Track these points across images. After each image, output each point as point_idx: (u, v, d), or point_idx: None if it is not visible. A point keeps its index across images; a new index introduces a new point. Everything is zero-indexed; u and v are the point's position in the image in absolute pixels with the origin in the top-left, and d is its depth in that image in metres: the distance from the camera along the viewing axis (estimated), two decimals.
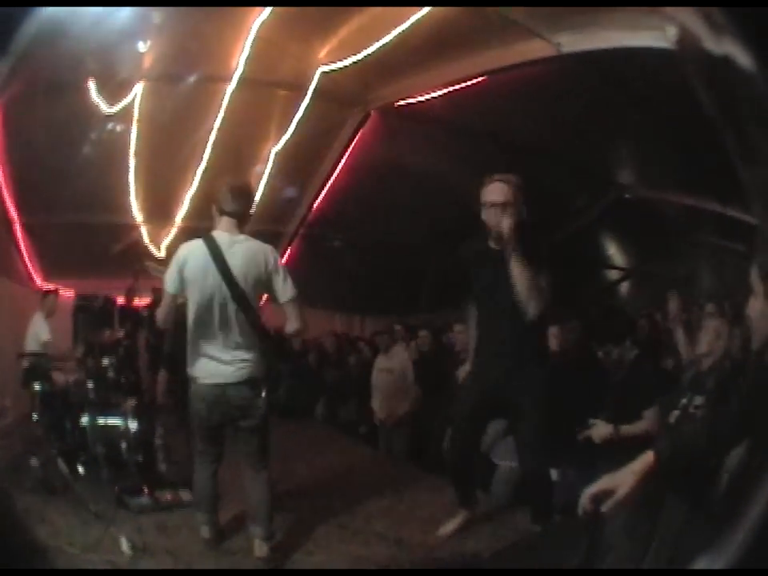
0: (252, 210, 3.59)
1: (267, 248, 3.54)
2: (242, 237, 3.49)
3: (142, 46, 4.65)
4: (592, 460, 3.57)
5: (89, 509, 3.78)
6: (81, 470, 4.24)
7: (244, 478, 3.57)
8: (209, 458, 3.59)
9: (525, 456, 3.81)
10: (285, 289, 3.47)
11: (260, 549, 3.48)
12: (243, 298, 3.41)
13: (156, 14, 4.44)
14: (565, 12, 4.24)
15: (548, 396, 3.57)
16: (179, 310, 3.56)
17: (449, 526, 3.80)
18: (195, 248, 3.45)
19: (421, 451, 4.80)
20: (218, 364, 3.44)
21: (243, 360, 3.45)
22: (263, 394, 3.50)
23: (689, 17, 1.99)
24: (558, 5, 4.07)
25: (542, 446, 3.64)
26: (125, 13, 4.23)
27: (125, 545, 3.42)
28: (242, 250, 3.44)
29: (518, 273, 3.48)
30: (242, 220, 3.49)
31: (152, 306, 4.81)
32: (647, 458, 2.05)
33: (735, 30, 1.45)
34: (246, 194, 3.61)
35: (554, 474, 3.92)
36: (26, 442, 4.49)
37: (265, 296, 3.57)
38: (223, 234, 3.47)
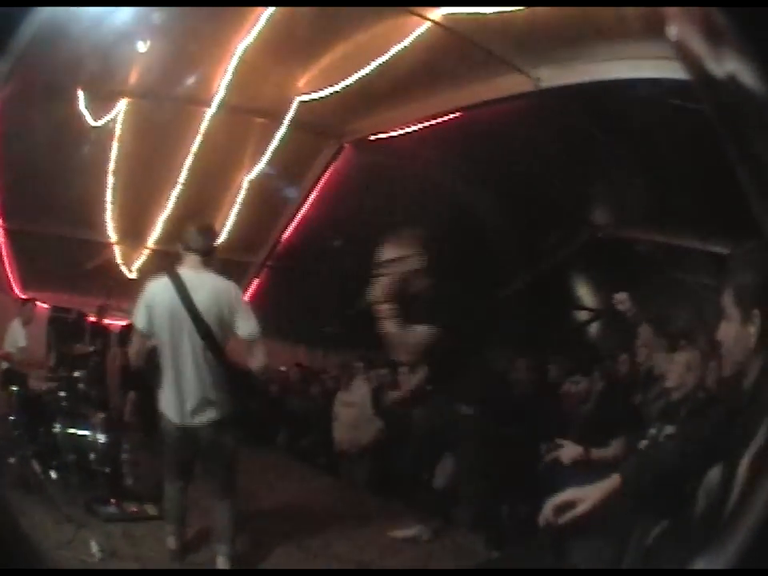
0: (215, 249, 3.71)
1: (231, 285, 3.64)
2: (206, 274, 3.56)
3: (130, 59, 4.68)
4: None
5: (60, 511, 3.89)
6: (53, 474, 4.30)
7: (210, 502, 3.71)
8: (178, 477, 3.73)
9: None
10: (248, 324, 3.56)
11: (223, 566, 3.60)
12: (209, 335, 3.49)
13: (147, 28, 4.46)
14: (546, 45, 4.27)
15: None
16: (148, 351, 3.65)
17: (401, 532, 4.06)
18: (161, 286, 3.54)
19: (381, 481, 4.84)
20: (186, 406, 3.53)
21: (211, 402, 3.55)
22: (230, 434, 3.64)
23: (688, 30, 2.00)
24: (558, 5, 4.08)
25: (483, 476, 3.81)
26: (119, 20, 4.27)
27: (94, 548, 3.57)
28: (206, 287, 3.52)
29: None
30: (206, 257, 3.58)
31: (129, 328, 4.87)
32: (613, 479, 2.08)
33: (736, 35, 1.45)
34: (211, 232, 3.78)
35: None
36: (5, 440, 4.54)
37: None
38: (189, 271, 3.55)
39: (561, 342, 4.93)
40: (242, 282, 4.65)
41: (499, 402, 4.13)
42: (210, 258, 3.61)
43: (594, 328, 5.52)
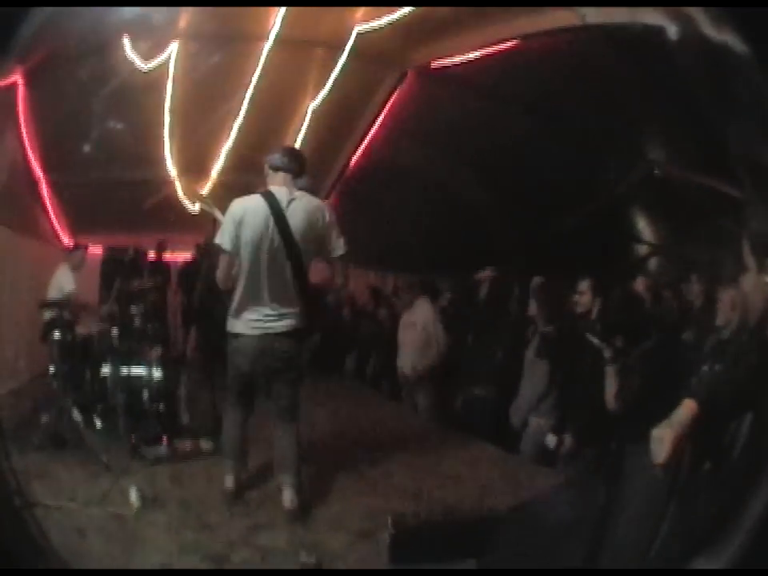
0: (305, 166, 3.68)
1: (323, 205, 3.67)
2: (298, 193, 3.56)
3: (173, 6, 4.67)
4: None
5: (100, 460, 3.85)
6: (97, 421, 4.30)
7: (274, 429, 3.69)
8: (241, 409, 3.73)
9: None
10: (338, 245, 3.59)
11: (289, 498, 3.55)
12: (298, 256, 3.49)
13: None
14: None
15: None
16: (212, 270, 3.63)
17: None
18: (254, 205, 3.52)
19: (444, 407, 4.84)
20: (265, 317, 3.54)
21: (289, 313, 3.55)
22: (304, 347, 3.66)
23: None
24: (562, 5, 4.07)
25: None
26: None
27: (134, 495, 3.49)
28: (300, 207, 3.52)
29: None
30: (297, 175, 3.59)
31: (192, 263, 4.88)
32: (687, 405, 2.07)
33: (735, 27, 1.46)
34: (299, 153, 3.78)
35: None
36: (38, 399, 4.53)
37: None
38: (281, 189, 3.53)
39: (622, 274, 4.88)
40: None
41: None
42: (301, 176, 3.60)
43: (653, 263, 5.49)
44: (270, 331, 3.54)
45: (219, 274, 3.66)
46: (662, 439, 2.05)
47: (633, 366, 3.71)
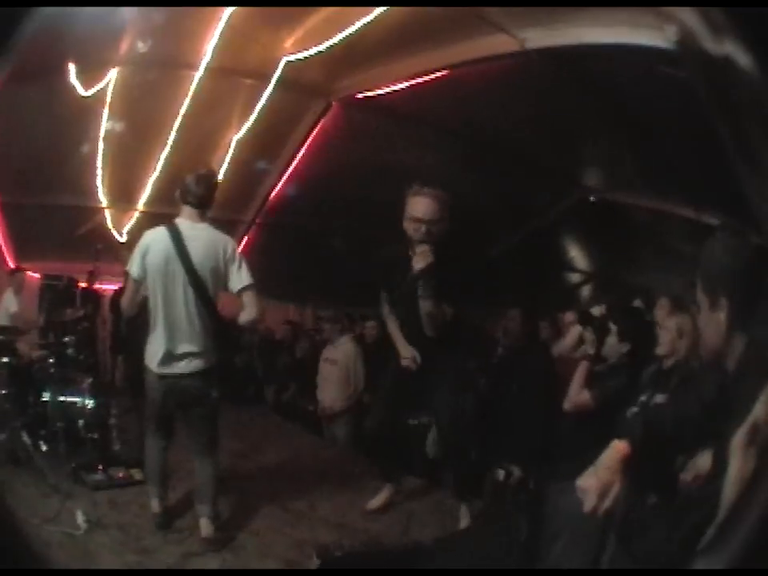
0: (213, 199, 3.65)
1: (227, 238, 3.62)
2: (202, 225, 3.56)
3: (118, 29, 4.68)
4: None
5: (48, 482, 3.87)
6: (42, 444, 4.29)
7: (193, 461, 3.67)
8: (160, 436, 3.70)
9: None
10: (240, 277, 3.53)
11: (206, 528, 3.55)
12: (202, 287, 3.47)
13: None
14: (532, 8, 4.25)
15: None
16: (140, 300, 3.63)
17: (376, 501, 4.03)
18: (158, 235, 3.53)
19: (363, 440, 4.82)
20: (172, 355, 3.51)
21: (197, 353, 3.53)
22: (215, 385, 3.59)
23: (688, 16, 2.00)
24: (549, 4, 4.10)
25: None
26: None
27: (80, 518, 3.51)
28: (202, 239, 3.51)
29: (424, 299, 3.70)
30: (204, 208, 3.57)
31: (121, 291, 4.86)
32: (615, 448, 2.03)
33: (735, 30, 1.46)
34: (210, 182, 3.66)
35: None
36: None
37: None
38: (186, 222, 3.54)
39: (552, 303, 4.90)
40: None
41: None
42: (208, 209, 3.59)
43: (585, 290, 5.52)
44: (175, 370, 3.53)
45: (123, 299, 3.67)
46: (587, 490, 2.00)
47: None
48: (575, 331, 3.83)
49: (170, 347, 3.51)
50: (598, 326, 3.74)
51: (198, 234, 3.52)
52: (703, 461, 2.36)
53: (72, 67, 4.84)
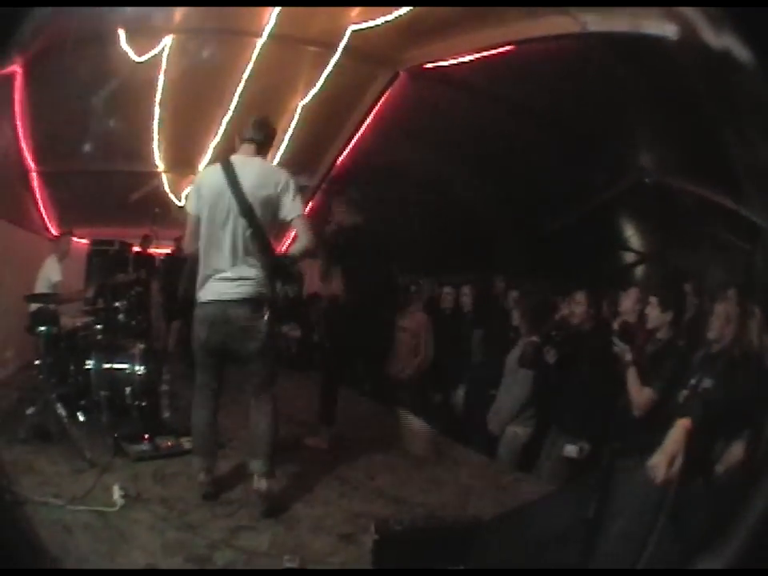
0: (272, 141, 3.59)
1: (282, 170, 3.50)
2: (257, 159, 3.45)
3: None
4: None
5: (83, 456, 3.70)
6: (80, 415, 4.20)
7: (249, 408, 3.44)
8: (207, 392, 3.47)
9: None
10: (294, 207, 3.40)
11: (259, 483, 3.36)
12: (252, 215, 3.32)
13: None
14: None
15: None
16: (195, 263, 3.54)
17: (312, 440, 4.28)
18: (211, 170, 3.48)
19: (429, 410, 4.80)
20: (221, 282, 3.34)
21: (246, 278, 3.35)
22: (266, 317, 3.37)
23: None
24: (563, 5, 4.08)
25: None
26: None
27: (116, 493, 3.30)
28: (255, 170, 3.39)
29: None
30: (260, 147, 3.48)
31: (175, 256, 4.75)
32: (681, 425, 2.12)
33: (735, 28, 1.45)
34: (267, 125, 3.59)
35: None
36: (24, 390, 4.44)
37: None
38: (240, 156, 3.45)
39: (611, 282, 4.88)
40: None
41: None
42: (264, 147, 3.51)
43: (638, 272, 5.50)
44: (224, 297, 3.33)
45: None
46: (658, 465, 2.12)
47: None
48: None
49: (216, 273, 3.36)
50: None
51: (250, 166, 3.42)
52: (737, 448, 2.38)
53: (123, 34, 4.79)
